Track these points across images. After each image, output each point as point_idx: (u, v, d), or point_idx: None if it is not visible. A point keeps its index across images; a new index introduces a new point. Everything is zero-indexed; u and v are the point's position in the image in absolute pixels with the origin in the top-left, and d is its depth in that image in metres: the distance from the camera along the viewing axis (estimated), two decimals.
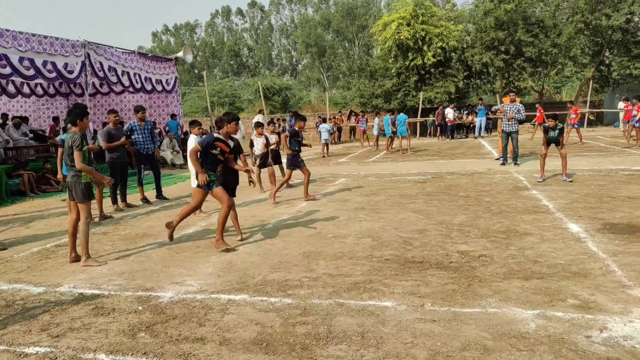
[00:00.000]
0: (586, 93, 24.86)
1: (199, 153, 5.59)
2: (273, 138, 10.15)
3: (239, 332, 3.37)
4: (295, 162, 8.35)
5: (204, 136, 6.02)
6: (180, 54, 18.12)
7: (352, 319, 3.49)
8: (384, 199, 8.28)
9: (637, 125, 14.86)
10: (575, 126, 17.09)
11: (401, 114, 17.37)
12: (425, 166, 12.69)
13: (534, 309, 3.49)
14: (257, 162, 9.70)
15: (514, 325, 3.26)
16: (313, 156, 17.77)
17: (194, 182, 7.30)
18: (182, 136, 17.40)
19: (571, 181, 8.88)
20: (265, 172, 9.90)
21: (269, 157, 9.82)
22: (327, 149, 18.22)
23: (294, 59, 67.92)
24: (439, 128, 23.39)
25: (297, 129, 8.65)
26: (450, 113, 22.49)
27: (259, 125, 9.91)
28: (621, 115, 18.97)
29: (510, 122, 11.44)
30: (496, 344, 3.03)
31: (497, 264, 4.53)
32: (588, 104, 24.28)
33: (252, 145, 9.77)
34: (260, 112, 20.94)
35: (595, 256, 4.62)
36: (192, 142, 7.49)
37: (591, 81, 25.09)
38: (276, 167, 10.15)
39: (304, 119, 8.92)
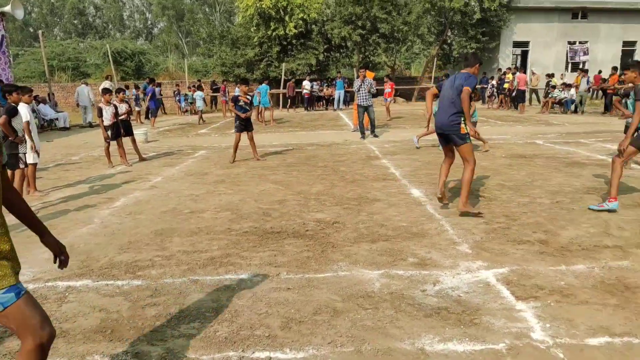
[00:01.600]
0: (431, 69, 27.40)
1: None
2: (123, 107, 9.32)
3: (80, 321, 3.07)
4: (241, 125, 8.96)
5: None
6: (7, 9, 15.49)
7: (207, 295, 3.40)
8: (245, 170, 8.20)
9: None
10: (387, 100, 17.67)
11: (263, 84, 17.23)
12: (286, 137, 12.85)
13: (379, 269, 3.78)
14: (108, 133, 8.82)
15: (361, 285, 3.49)
16: (172, 127, 16.84)
17: (31, 158, 6.42)
18: None
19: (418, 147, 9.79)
20: (114, 145, 9.06)
21: (120, 128, 9.02)
22: (202, 115, 18.71)
23: (149, 22, 62.81)
24: (289, 100, 23.85)
25: (241, 93, 9.06)
26: (307, 85, 23.09)
27: (106, 91, 8.99)
28: None
29: (365, 97, 12.05)
30: (345, 305, 3.21)
31: (348, 230, 4.79)
32: (432, 79, 26.81)
33: (100, 114, 8.83)
34: (108, 77, 19.05)
35: (432, 218, 5.16)
36: (25, 111, 6.46)
37: (435, 58, 27.65)
38: (127, 140, 9.37)
39: (247, 83, 9.47)
